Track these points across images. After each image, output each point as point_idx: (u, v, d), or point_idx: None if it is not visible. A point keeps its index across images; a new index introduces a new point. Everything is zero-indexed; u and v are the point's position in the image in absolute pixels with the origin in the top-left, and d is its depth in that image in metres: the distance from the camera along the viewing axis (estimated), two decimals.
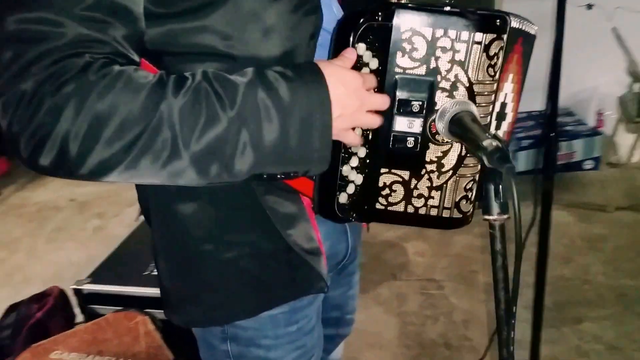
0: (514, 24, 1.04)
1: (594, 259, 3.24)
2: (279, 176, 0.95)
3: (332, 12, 1.07)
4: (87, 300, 2.45)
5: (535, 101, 4.44)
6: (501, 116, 1.14)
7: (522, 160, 4.20)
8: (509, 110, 1.15)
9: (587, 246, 3.36)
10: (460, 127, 0.96)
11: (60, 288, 2.55)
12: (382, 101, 0.99)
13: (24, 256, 3.71)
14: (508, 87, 1.12)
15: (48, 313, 2.36)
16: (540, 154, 1.96)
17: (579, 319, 2.78)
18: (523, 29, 1.09)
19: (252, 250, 1.09)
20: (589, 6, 4.20)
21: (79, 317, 2.53)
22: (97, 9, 0.84)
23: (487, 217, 0.87)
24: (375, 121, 1.00)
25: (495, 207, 0.86)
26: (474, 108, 0.99)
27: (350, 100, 0.95)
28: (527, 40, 1.12)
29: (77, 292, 2.46)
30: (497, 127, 1.14)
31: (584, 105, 4.50)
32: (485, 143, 0.85)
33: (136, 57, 0.91)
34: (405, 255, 3.40)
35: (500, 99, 1.11)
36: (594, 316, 2.80)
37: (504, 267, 0.89)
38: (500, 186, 0.86)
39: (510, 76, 1.11)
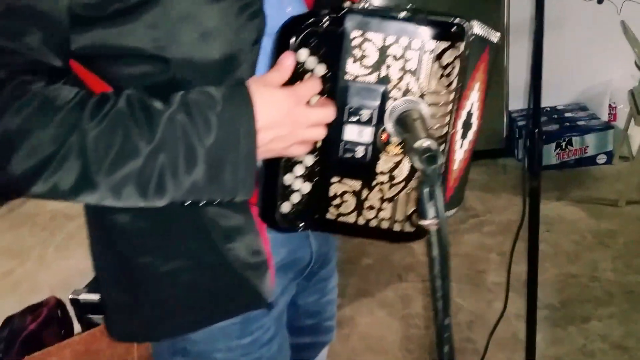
0: (479, 31, 1.00)
1: (603, 255, 3.18)
2: (201, 203, 0.94)
3: (285, 15, 1.03)
4: (83, 309, 2.46)
5: (548, 97, 4.41)
6: (467, 125, 1.11)
7: None
8: (474, 119, 1.13)
9: (597, 242, 3.31)
10: (402, 126, 0.93)
11: (57, 298, 2.55)
12: (324, 115, 0.96)
13: (33, 265, 3.72)
14: (474, 95, 1.09)
15: (42, 324, 2.35)
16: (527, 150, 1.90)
17: (586, 318, 2.73)
18: (488, 37, 1.06)
19: (190, 263, 1.06)
20: (600, 1, 4.18)
21: (78, 327, 2.55)
22: (9, 16, 0.83)
23: (422, 222, 0.84)
24: (318, 134, 0.97)
25: (430, 211, 0.83)
26: (423, 107, 0.95)
27: (284, 122, 0.93)
28: (492, 48, 1.10)
29: (74, 301, 2.47)
30: (464, 137, 1.11)
31: (598, 99, 4.46)
32: (417, 144, 0.82)
33: (57, 62, 0.89)
34: (413, 256, 3.36)
35: (467, 107, 1.08)
36: (601, 314, 2.75)
37: (441, 275, 0.85)
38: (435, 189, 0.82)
39: (477, 85, 1.08)
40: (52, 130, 0.82)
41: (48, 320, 2.40)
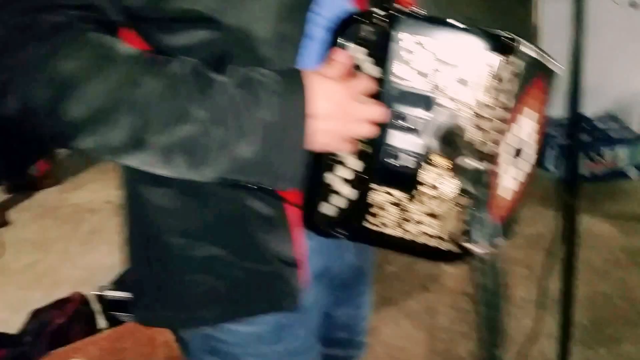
0: (531, 53, 0.97)
1: (636, 274, 3.12)
2: (245, 184, 0.93)
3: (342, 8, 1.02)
4: (109, 306, 2.47)
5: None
6: (519, 153, 1.06)
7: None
8: (528, 149, 1.08)
9: (629, 260, 3.24)
10: (448, 141, 0.91)
11: (82, 294, 2.58)
12: (377, 113, 0.94)
13: (56, 258, 3.71)
14: (528, 124, 1.04)
15: (69, 319, 2.39)
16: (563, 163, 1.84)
17: (618, 339, 2.67)
18: (544, 63, 1.02)
19: (223, 252, 1.04)
20: (633, 4, 4.03)
21: (102, 323, 2.55)
22: None
23: (472, 248, 0.80)
24: (368, 131, 0.95)
25: (476, 234, 0.80)
26: (469, 122, 0.93)
27: (336, 114, 0.92)
28: (548, 76, 1.06)
29: (99, 298, 2.48)
30: (514, 164, 1.06)
31: (630, 109, 4.35)
32: (466, 163, 0.81)
33: (114, 16, 0.88)
34: (438, 266, 3.32)
35: (516, 131, 1.03)
36: (633, 336, 2.69)
37: (494, 305, 0.81)
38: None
39: (531, 112, 1.03)
40: (106, 82, 0.81)
41: (75, 315, 2.43)
